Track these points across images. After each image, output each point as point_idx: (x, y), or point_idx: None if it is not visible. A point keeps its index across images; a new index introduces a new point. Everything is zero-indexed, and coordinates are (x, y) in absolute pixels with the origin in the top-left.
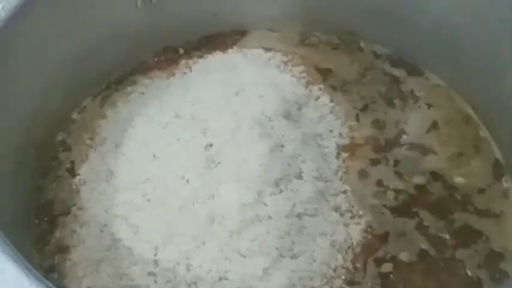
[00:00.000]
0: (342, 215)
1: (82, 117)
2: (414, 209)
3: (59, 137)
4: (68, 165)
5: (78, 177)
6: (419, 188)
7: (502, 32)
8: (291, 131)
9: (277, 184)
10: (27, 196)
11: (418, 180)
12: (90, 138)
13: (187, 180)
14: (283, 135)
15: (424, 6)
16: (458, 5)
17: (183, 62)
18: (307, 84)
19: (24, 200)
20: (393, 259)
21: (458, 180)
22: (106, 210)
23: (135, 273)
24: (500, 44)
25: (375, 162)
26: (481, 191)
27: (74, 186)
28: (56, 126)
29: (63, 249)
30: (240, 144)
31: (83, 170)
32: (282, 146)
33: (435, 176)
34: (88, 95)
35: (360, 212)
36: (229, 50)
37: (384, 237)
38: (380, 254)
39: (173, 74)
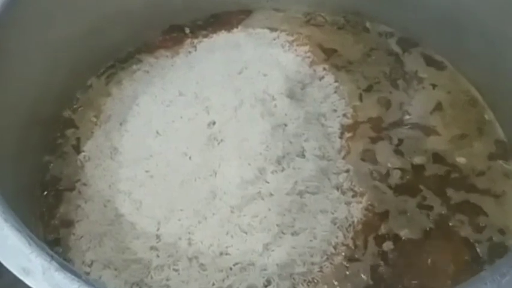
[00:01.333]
0: (343, 193)
1: (87, 95)
2: (415, 188)
3: (65, 114)
4: (74, 142)
5: (82, 154)
6: (421, 167)
7: (507, 13)
8: (294, 110)
9: (279, 162)
10: (33, 171)
11: (419, 159)
12: (95, 116)
13: (189, 157)
14: (286, 114)
15: None
16: None
17: (188, 41)
18: (312, 63)
19: (30, 175)
20: (394, 237)
21: (460, 160)
22: (110, 185)
23: (137, 247)
24: (505, 25)
25: (377, 141)
26: (482, 172)
27: (78, 163)
28: (62, 103)
29: (67, 223)
30: (242, 122)
31: (88, 147)
32: (285, 124)
33: (437, 156)
34: (93, 73)
35: (361, 190)
36: (235, 30)
37: (385, 215)
38: (381, 231)
39: (178, 53)
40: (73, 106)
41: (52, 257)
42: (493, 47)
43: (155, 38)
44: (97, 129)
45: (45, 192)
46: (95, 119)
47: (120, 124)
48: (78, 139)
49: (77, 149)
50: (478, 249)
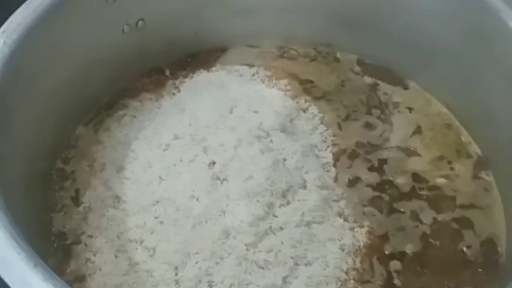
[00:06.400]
0: (346, 219)
1: (78, 145)
2: (402, 208)
3: (58, 166)
4: (73, 194)
5: (82, 206)
6: (405, 187)
7: (474, 37)
8: (290, 144)
9: (284, 196)
10: (39, 228)
11: (402, 180)
12: (89, 166)
13: (197, 199)
14: (283, 149)
15: (396, 15)
16: (429, 13)
17: (170, 82)
18: (293, 96)
19: (37, 233)
20: (400, 254)
21: (440, 180)
22: (118, 235)
23: None
24: (473, 49)
25: (362, 166)
26: (463, 190)
27: (80, 215)
28: (54, 156)
29: (80, 278)
30: (243, 160)
31: (87, 198)
32: (284, 159)
33: (417, 176)
34: (80, 123)
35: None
36: (213, 68)
37: (386, 236)
38: (386, 251)
39: (162, 96)
40: (65, 158)
41: None
42: (464, 70)
43: (136, 82)
44: (93, 178)
45: (54, 248)
46: (88, 169)
47: (118, 172)
48: (76, 190)
49: (76, 201)
50: (471, 257)
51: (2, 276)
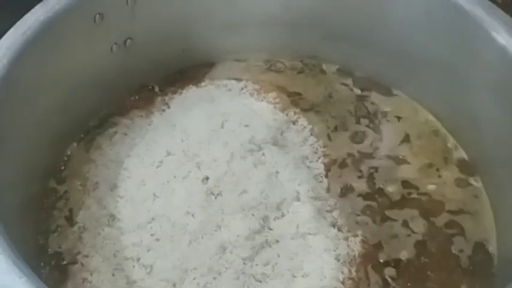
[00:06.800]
0: (340, 229)
1: (70, 164)
2: (394, 216)
3: (51, 187)
4: (67, 214)
5: (77, 225)
6: (396, 195)
7: (458, 47)
8: (283, 157)
9: (278, 208)
10: (34, 249)
11: (393, 188)
12: (82, 185)
13: (192, 215)
14: (276, 162)
15: (381, 25)
16: (413, 23)
17: (159, 99)
18: (283, 109)
19: (33, 253)
20: (394, 262)
21: (430, 187)
22: (114, 254)
23: None
24: (458, 58)
25: (353, 176)
26: (452, 196)
27: (75, 235)
28: (46, 177)
29: None
30: (237, 174)
31: (81, 217)
32: (277, 172)
33: (408, 184)
34: (71, 142)
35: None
36: (202, 83)
37: (379, 244)
38: (381, 259)
39: (152, 112)
40: (58, 177)
41: None
42: (449, 79)
43: (125, 100)
44: (86, 198)
45: (50, 269)
46: (81, 188)
47: (111, 190)
48: (70, 210)
49: (71, 221)
50: (464, 263)
51: None
